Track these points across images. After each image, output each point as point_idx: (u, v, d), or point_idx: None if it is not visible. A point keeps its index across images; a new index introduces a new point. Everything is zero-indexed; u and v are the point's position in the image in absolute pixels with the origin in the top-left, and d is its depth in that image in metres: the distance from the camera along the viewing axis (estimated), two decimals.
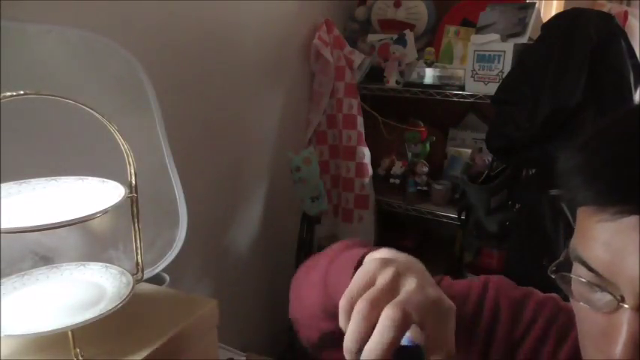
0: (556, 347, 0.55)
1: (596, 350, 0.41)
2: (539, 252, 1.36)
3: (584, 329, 0.44)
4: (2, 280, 0.72)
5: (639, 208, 0.36)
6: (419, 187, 1.80)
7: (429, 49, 1.75)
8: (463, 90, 1.63)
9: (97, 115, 0.65)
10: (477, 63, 1.57)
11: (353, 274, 0.46)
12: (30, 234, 0.59)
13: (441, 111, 1.89)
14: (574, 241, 0.43)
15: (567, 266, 0.44)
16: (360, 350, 0.39)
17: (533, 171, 1.45)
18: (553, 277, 0.45)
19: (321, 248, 1.97)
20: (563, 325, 0.56)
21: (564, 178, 0.42)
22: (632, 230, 0.37)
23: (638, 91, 1.34)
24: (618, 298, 0.38)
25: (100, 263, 0.77)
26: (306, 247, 1.73)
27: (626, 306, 0.38)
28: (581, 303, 0.42)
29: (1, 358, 0.67)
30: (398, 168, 1.84)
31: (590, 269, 0.40)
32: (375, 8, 1.91)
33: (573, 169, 0.41)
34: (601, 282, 0.40)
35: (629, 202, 0.37)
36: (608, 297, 0.39)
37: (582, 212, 0.42)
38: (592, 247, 0.40)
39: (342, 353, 0.41)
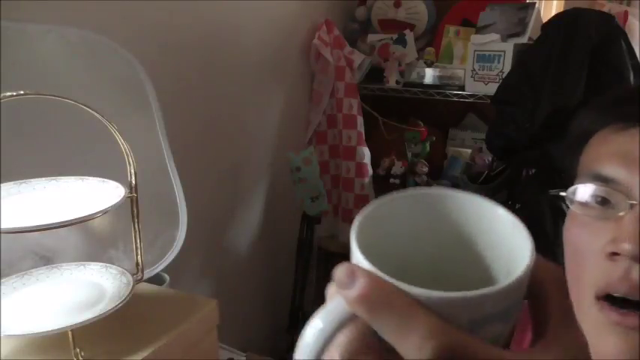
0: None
1: (604, 262, 0.42)
2: (539, 252, 1.36)
3: (583, 252, 0.45)
4: (2, 280, 0.72)
5: None
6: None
7: (429, 49, 1.75)
8: (463, 90, 1.63)
9: (97, 115, 0.65)
10: (477, 63, 1.57)
11: None
12: (30, 234, 0.59)
13: (441, 111, 1.89)
14: (585, 164, 0.47)
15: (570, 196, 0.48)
16: None
17: (533, 171, 1.45)
18: (560, 196, 0.49)
19: (321, 248, 1.97)
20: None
21: (583, 118, 0.49)
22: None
23: None
24: (630, 202, 0.41)
25: (100, 263, 0.77)
26: (306, 247, 1.73)
27: (634, 202, 0.41)
28: (584, 224, 0.45)
29: (1, 358, 0.67)
30: (398, 168, 1.84)
31: (606, 180, 0.44)
32: (375, 8, 1.91)
33: (596, 105, 0.48)
34: (614, 192, 0.43)
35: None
36: (621, 200, 0.42)
37: (598, 137, 0.47)
38: (609, 159, 0.44)
39: None
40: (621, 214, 0.42)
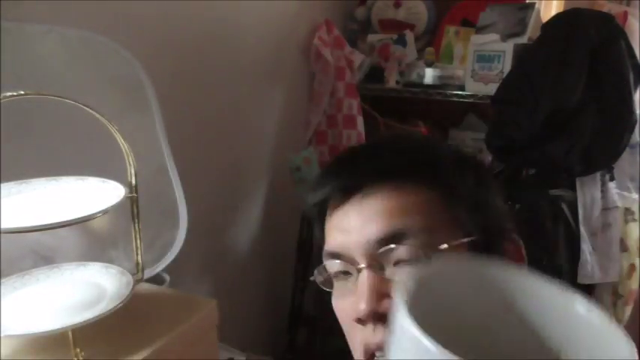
0: None
1: (356, 328, 0.45)
2: (539, 252, 1.36)
3: (346, 320, 0.47)
4: (2, 280, 0.72)
5: (356, 186, 0.45)
6: None
7: (429, 49, 1.75)
8: (463, 90, 1.63)
9: (97, 115, 0.65)
10: (477, 63, 1.57)
11: None
12: (30, 234, 0.59)
13: (441, 111, 1.89)
14: (326, 239, 0.49)
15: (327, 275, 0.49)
16: None
17: (533, 171, 1.45)
18: (314, 280, 0.49)
19: (320, 248, 1.97)
20: None
21: (315, 185, 0.51)
22: (355, 206, 0.46)
23: (638, 91, 1.34)
24: (357, 267, 0.44)
25: (100, 263, 0.77)
26: (306, 247, 1.73)
27: (361, 266, 0.44)
28: (340, 296, 0.48)
29: (1, 358, 0.67)
30: None
31: (333, 254, 0.47)
32: (375, 8, 1.91)
33: (322, 173, 0.51)
34: (344, 264, 0.46)
35: (349, 187, 0.46)
36: (353, 270, 0.45)
37: (329, 209, 0.49)
38: (330, 235, 0.48)
39: None
40: (356, 281, 0.44)
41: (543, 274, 0.49)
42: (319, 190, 0.49)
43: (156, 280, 0.97)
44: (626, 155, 1.36)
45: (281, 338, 1.80)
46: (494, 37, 1.54)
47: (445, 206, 0.44)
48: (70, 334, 0.63)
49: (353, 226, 0.45)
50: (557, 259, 1.33)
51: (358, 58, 1.78)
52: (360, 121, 1.78)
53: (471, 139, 1.89)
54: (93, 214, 0.61)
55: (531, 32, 1.52)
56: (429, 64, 1.73)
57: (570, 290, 0.25)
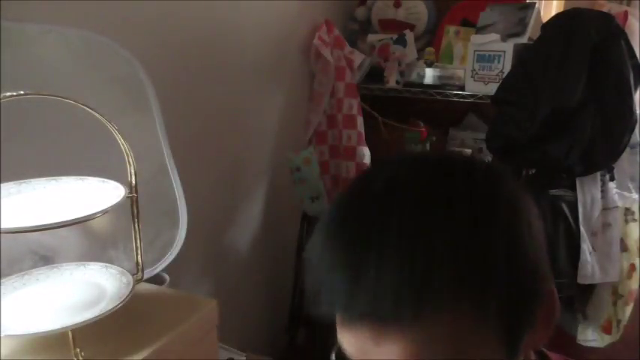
0: None
1: None
2: None
3: None
4: (2, 280, 0.72)
5: (371, 315, 0.38)
6: None
7: (429, 49, 1.75)
8: (463, 90, 1.63)
9: (97, 115, 0.65)
10: (477, 63, 1.57)
11: None
12: (30, 234, 0.59)
13: (441, 111, 1.89)
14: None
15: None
16: None
17: (533, 171, 1.45)
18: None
19: None
20: None
21: (321, 297, 0.43)
22: (370, 335, 0.39)
23: (638, 91, 1.34)
24: None
25: (100, 263, 0.77)
26: None
27: None
28: None
29: (1, 358, 0.67)
30: None
31: None
32: (375, 8, 1.91)
33: (325, 289, 0.42)
34: None
35: (364, 314, 0.39)
36: None
37: (337, 319, 0.44)
38: (343, 340, 0.43)
39: None
40: None
41: None
42: (325, 300, 0.42)
43: (156, 280, 0.97)
44: (626, 155, 1.36)
45: (281, 338, 1.80)
46: (495, 37, 1.54)
47: (478, 319, 0.38)
48: (70, 334, 0.63)
49: (370, 357, 0.40)
50: (557, 259, 1.33)
51: (358, 58, 1.78)
52: (360, 121, 1.78)
53: (471, 139, 1.89)
54: (93, 214, 0.61)
55: (531, 32, 1.52)
56: (429, 64, 1.73)
57: None
